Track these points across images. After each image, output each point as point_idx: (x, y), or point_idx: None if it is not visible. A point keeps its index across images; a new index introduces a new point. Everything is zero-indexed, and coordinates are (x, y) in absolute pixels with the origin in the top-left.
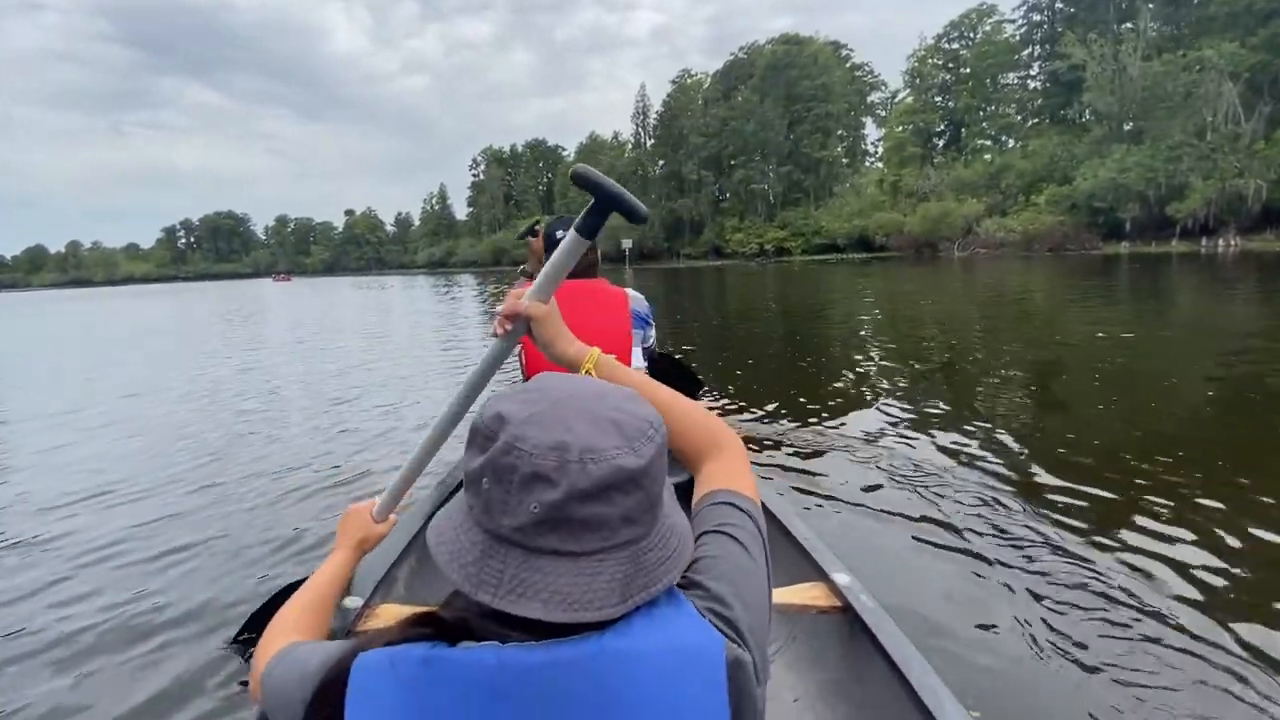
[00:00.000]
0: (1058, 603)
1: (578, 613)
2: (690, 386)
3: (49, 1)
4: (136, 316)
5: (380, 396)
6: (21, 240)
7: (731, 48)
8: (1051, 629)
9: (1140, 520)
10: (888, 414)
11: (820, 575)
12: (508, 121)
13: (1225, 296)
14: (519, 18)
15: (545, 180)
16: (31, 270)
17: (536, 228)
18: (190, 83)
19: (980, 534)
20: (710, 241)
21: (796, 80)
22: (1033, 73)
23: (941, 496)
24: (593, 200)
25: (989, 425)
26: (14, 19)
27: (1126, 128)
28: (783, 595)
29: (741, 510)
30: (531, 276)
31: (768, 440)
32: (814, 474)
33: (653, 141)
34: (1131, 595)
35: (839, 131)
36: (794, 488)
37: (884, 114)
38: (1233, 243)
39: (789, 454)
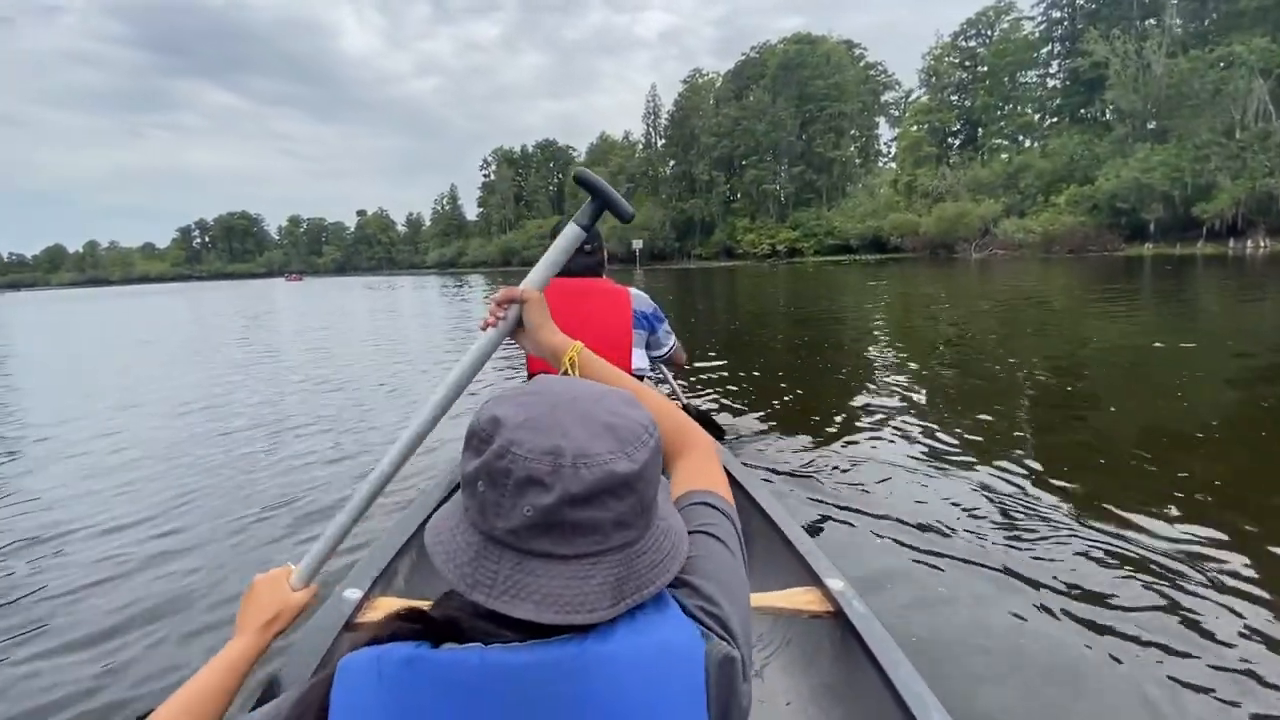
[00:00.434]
0: (1054, 616)
1: (569, 615)
2: (713, 433)
3: (66, 4)
4: (153, 318)
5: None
6: (41, 239)
7: (741, 48)
8: (1048, 643)
9: (1150, 534)
10: (893, 418)
11: (813, 580)
12: (518, 122)
13: (1255, 300)
14: (528, 18)
15: (556, 181)
16: (51, 269)
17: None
18: (206, 85)
19: (981, 544)
20: (721, 242)
21: (809, 80)
22: (1052, 70)
23: (943, 504)
24: (590, 198)
25: (998, 433)
26: (31, 21)
27: (1150, 126)
28: (776, 599)
29: (719, 510)
30: None
31: (768, 442)
32: (813, 477)
33: (664, 142)
34: (1138, 611)
35: (852, 131)
36: (791, 491)
37: (898, 114)
38: (1262, 244)
39: (788, 456)
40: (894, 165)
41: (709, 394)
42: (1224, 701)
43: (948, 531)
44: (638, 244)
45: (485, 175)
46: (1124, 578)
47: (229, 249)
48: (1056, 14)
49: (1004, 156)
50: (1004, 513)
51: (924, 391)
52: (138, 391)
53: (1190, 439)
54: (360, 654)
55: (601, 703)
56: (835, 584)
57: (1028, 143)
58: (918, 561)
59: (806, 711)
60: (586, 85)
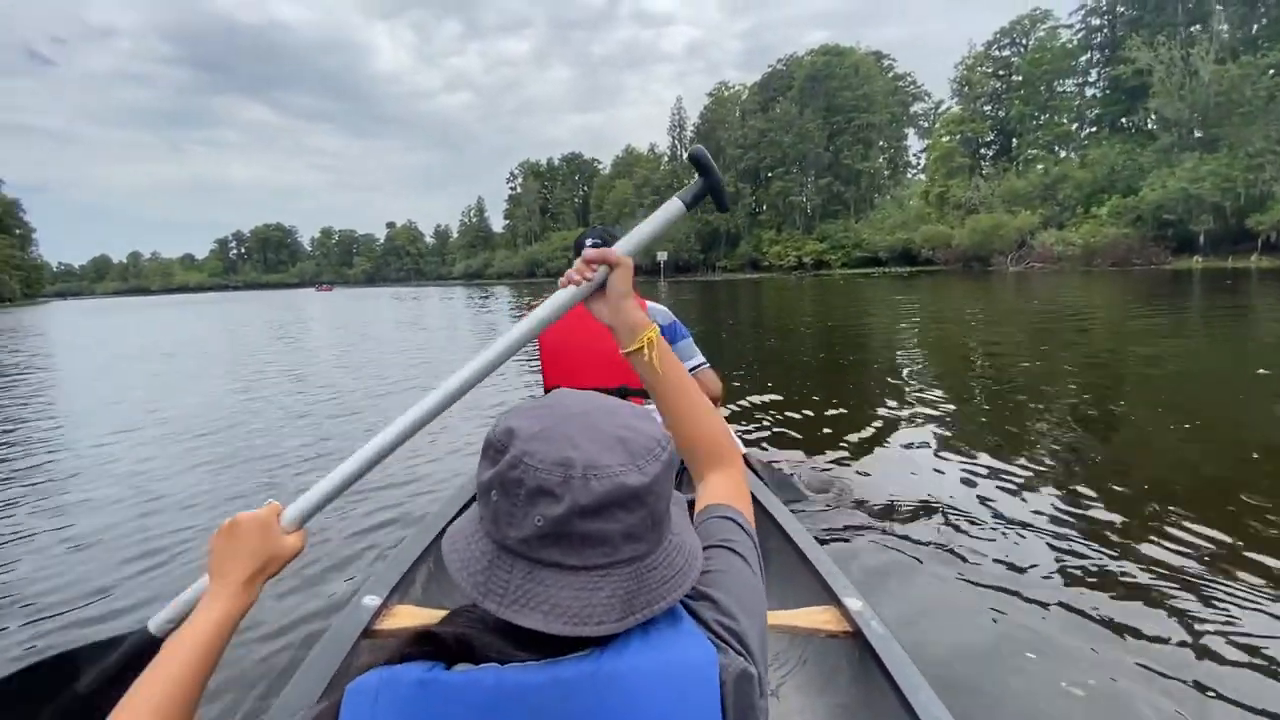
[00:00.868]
0: (1085, 646)
1: (577, 626)
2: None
3: (121, 27)
4: (185, 328)
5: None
6: (88, 250)
7: (766, 61)
8: (1077, 671)
9: (1184, 563)
10: (919, 437)
11: (832, 599)
12: (545, 135)
13: None
14: (557, 34)
15: (581, 193)
16: (97, 279)
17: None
18: (245, 101)
19: (1003, 567)
20: (747, 254)
21: (837, 91)
22: (1091, 79)
23: (966, 525)
24: (699, 179)
25: (1029, 454)
26: (89, 44)
27: (1197, 135)
28: (794, 618)
29: (742, 527)
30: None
31: (788, 457)
32: (832, 494)
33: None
34: (1157, 643)
35: (880, 143)
36: (810, 507)
37: (927, 125)
38: None
39: (808, 472)
40: (923, 177)
41: (729, 406)
42: None
43: (971, 554)
44: (662, 256)
45: (512, 188)
46: (1160, 609)
47: (264, 260)
48: (1096, 21)
49: (1040, 167)
50: (1031, 538)
51: (954, 410)
52: (178, 399)
53: (1254, 470)
54: (369, 676)
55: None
56: (854, 603)
57: (1065, 153)
58: (939, 582)
59: None
60: (612, 99)
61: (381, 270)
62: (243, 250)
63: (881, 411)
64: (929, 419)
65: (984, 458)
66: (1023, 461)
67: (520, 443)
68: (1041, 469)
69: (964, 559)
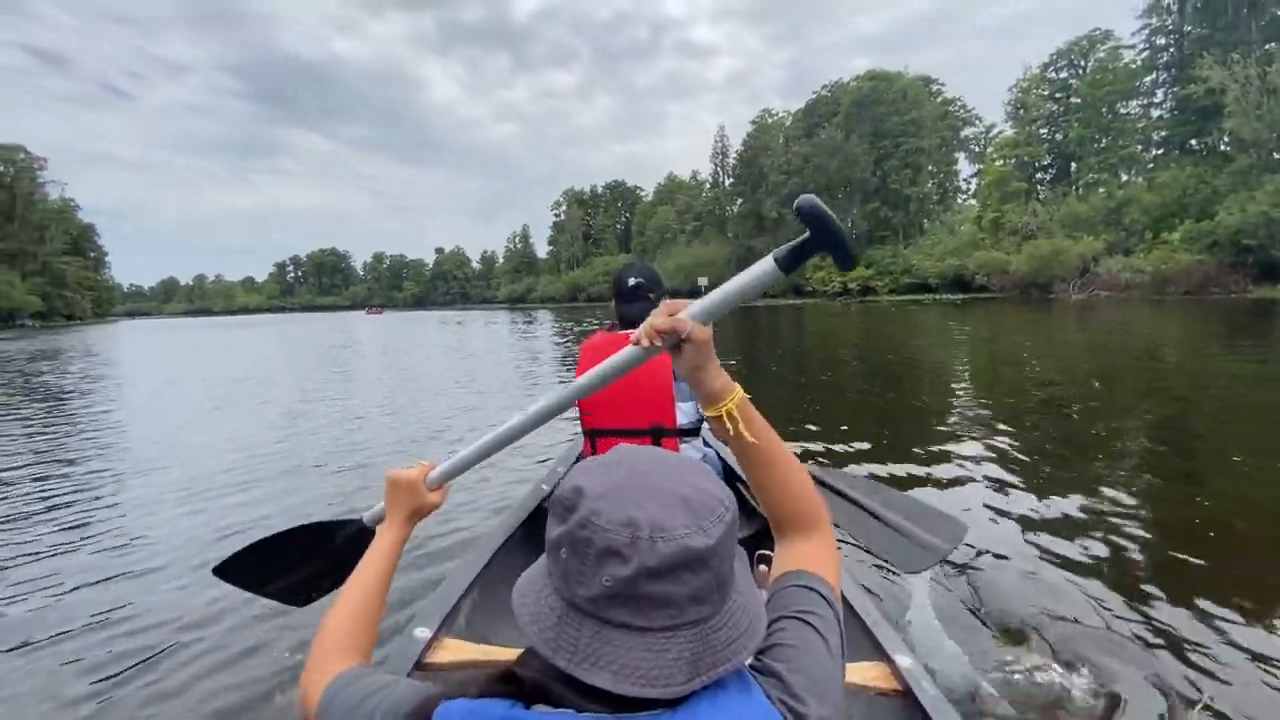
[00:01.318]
0: (1145, 709)
1: (645, 688)
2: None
3: (192, 63)
4: (248, 351)
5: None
6: (157, 272)
7: (808, 88)
8: None
9: (1259, 631)
10: (973, 479)
11: (881, 655)
12: (588, 163)
13: None
14: (603, 66)
15: (623, 219)
16: (165, 300)
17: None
18: (304, 132)
19: (1064, 624)
20: (789, 280)
21: (884, 116)
22: (1157, 99)
23: (1027, 579)
24: (808, 234)
25: (1095, 501)
26: (161, 78)
27: (1277, 156)
28: None
29: (825, 599)
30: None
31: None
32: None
33: (731, 180)
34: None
35: (929, 167)
36: (857, 559)
37: (978, 149)
38: None
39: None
40: (974, 202)
41: None
42: None
43: (1029, 609)
44: (703, 281)
45: (556, 214)
46: (1248, 686)
47: (319, 283)
48: (1161, 41)
49: (1102, 191)
50: (1096, 594)
51: (1012, 449)
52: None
53: None
54: (456, 704)
55: None
56: (904, 660)
57: (1131, 176)
58: (994, 639)
59: None
60: (654, 127)
61: (429, 294)
62: (299, 274)
63: (933, 449)
64: (984, 458)
65: (1045, 503)
66: (1087, 509)
67: (588, 502)
68: (1109, 519)
69: (1021, 615)
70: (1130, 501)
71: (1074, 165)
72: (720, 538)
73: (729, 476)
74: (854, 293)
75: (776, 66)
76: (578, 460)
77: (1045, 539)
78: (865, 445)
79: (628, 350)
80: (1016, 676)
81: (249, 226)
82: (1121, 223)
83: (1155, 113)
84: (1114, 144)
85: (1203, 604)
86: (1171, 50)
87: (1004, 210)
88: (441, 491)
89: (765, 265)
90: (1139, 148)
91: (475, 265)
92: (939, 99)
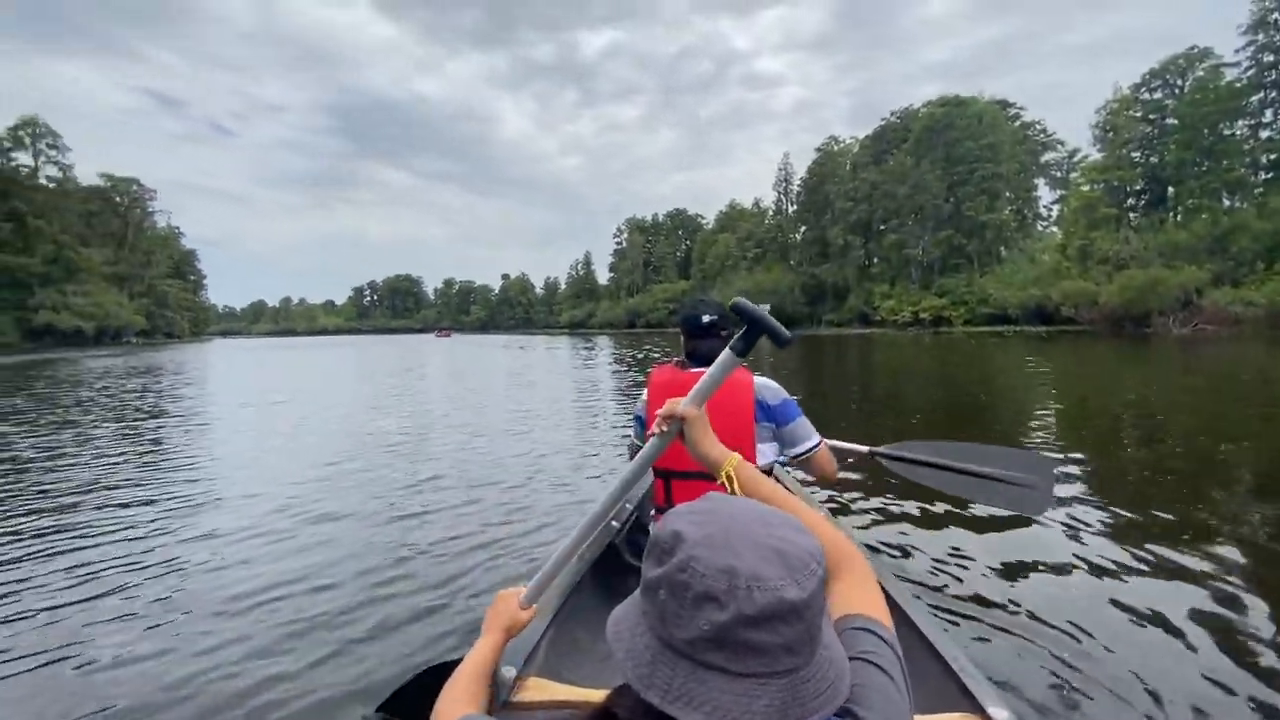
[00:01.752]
0: None
1: None
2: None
3: (289, 104)
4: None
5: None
6: (249, 295)
7: (874, 116)
8: None
9: None
10: (1064, 523)
11: (972, 706)
12: (650, 193)
13: None
14: (667, 99)
15: (684, 247)
16: (253, 320)
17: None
18: (384, 165)
19: (1171, 682)
20: (856, 308)
21: (958, 141)
22: (1266, 119)
23: (1126, 627)
24: (746, 327)
25: (1204, 551)
26: (261, 117)
27: None
28: None
29: (881, 639)
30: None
31: (909, 542)
32: (964, 585)
33: (795, 208)
34: None
35: (1006, 193)
36: (938, 605)
37: (1060, 174)
38: None
39: (935, 559)
40: (1056, 229)
41: (838, 484)
42: None
43: (1131, 660)
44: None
45: (618, 242)
46: None
47: (393, 306)
48: (1269, 58)
49: (1205, 217)
50: (1204, 654)
51: (1107, 495)
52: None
53: None
54: None
55: None
56: (1000, 713)
57: (1237, 202)
58: (1097, 691)
59: None
60: (716, 157)
61: (495, 318)
62: (375, 297)
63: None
64: (1073, 501)
65: (1146, 551)
66: (1198, 563)
67: (687, 547)
68: (1224, 575)
69: (1123, 662)
70: (1245, 555)
71: (1171, 190)
72: (813, 591)
73: None
74: (925, 323)
75: (842, 95)
76: (646, 499)
77: (1142, 585)
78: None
79: (648, 445)
80: None
81: (331, 253)
82: (1228, 251)
83: (1264, 134)
84: (1217, 167)
85: None
86: None
87: (1092, 238)
88: (531, 610)
89: (727, 357)
90: (1246, 171)
91: (539, 291)
92: (1017, 123)
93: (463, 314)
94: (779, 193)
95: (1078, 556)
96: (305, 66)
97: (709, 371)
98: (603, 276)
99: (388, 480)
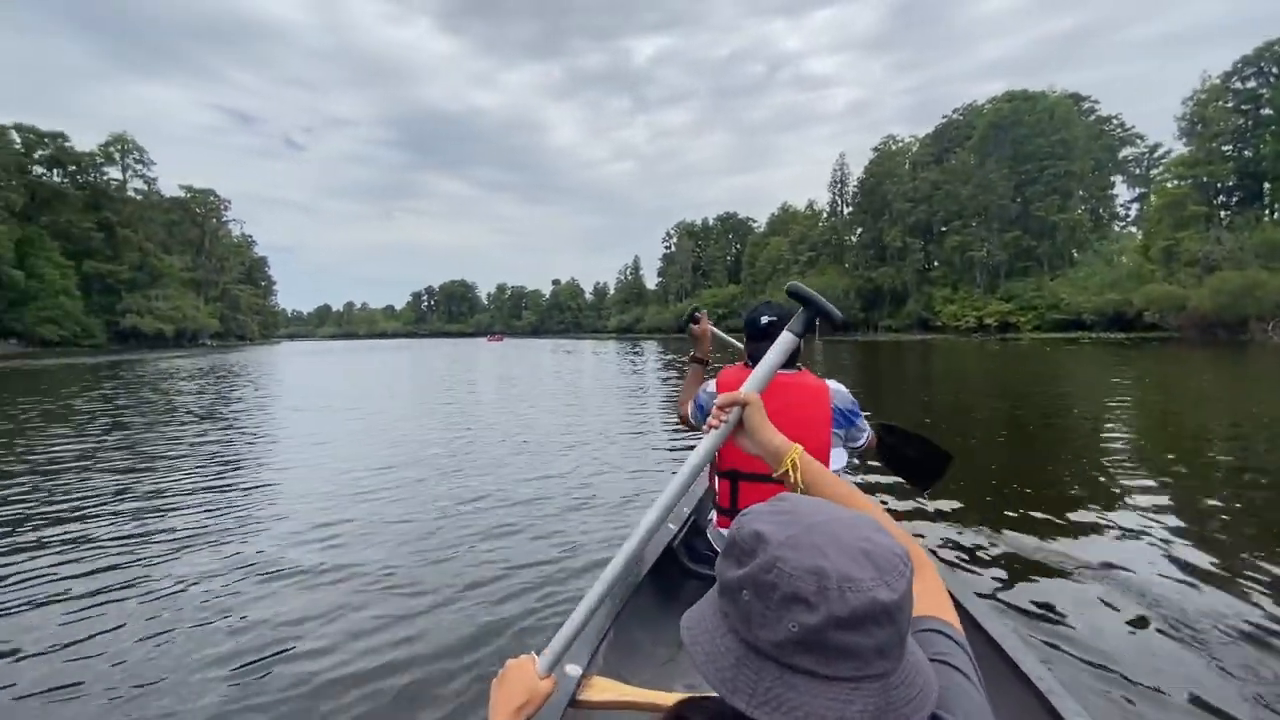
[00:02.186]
0: None
1: None
2: (936, 462)
3: (354, 118)
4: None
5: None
6: (315, 300)
7: (933, 115)
8: None
9: None
10: (1154, 540)
11: None
12: (700, 197)
13: None
14: (717, 103)
15: (734, 251)
16: (318, 324)
17: (697, 314)
18: (442, 176)
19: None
20: (915, 313)
21: (1027, 138)
22: None
23: (1229, 650)
24: (802, 309)
25: None
26: (328, 131)
27: None
28: None
29: (954, 641)
30: (700, 361)
31: (986, 553)
32: (1045, 598)
33: (851, 209)
34: None
35: (1080, 192)
36: (1017, 615)
37: (1139, 171)
38: None
39: (1014, 572)
40: (1134, 229)
41: (904, 495)
42: None
43: (1230, 689)
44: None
45: (667, 247)
46: None
47: (448, 311)
48: None
49: None
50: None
51: (1195, 511)
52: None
53: None
54: None
55: None
56: None
57: None
58: (1187, 712)
59: None
60: (767, 160)
61: (545, 322)
62: (431, 302)
63: (1098, 501)
64: (1163, 518)
65: (1242, 572)
66: None
67: (771, 548)
68: None
69: (1215, 686)
70: None
71: (1266, 185)
72: (904, 593)
73: None
74: (991, 329)
75: (898, 94)
76: (703, 503)
77: (1229, 610)
78: (1008, 490)
79: (707, 438)
80: None
81: (391, 260)
82: None
83: None
84: None
85: None
86: None
87: (1179, 238)
88: (551, 680)
89: (787, 338)
90: None
91: (588, 296)
92: (1091, 117)
93: (514, 318)
94: (834, 194)
95: (1173, 588)
96: (369, 82)
97: (767, 355)
98: (651, 281)
99: (430, 496)
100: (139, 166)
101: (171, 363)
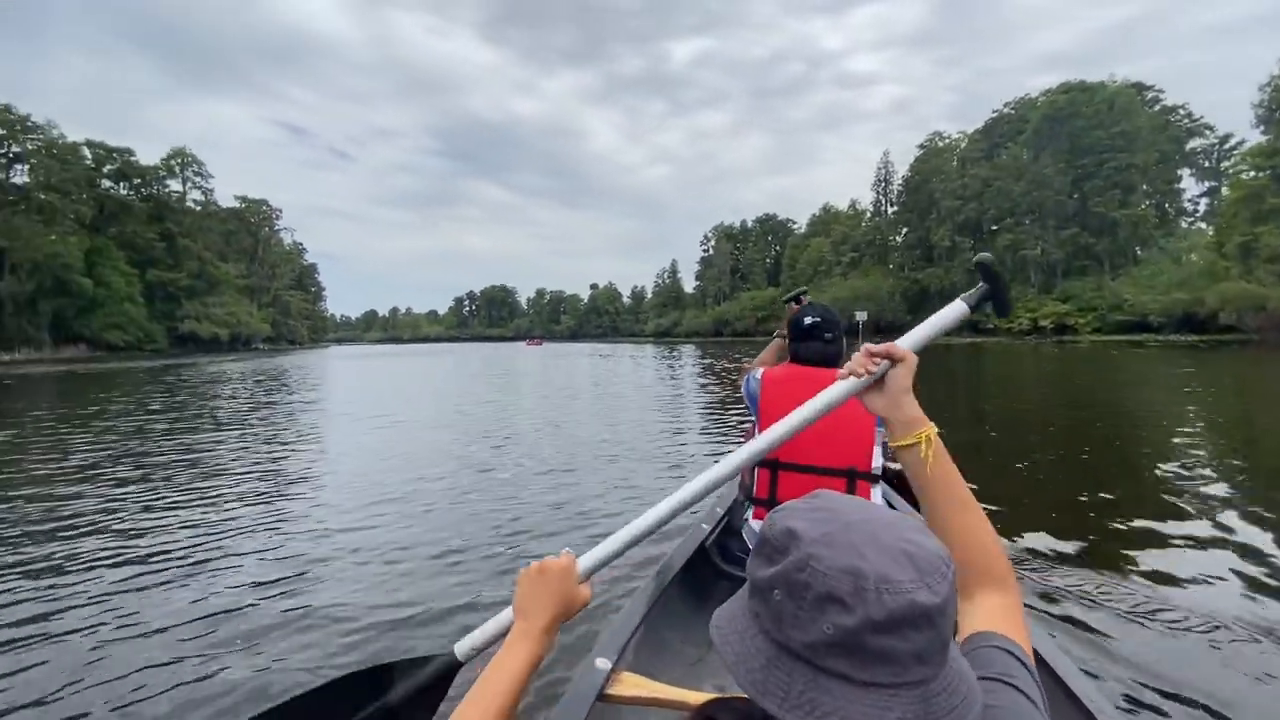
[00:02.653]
0: None
1: None
2: None
3: (400, 129)
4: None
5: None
6: (361, 305)
7: (981, 111)
8: None
9: None
10: (1217, 561)
11: None
12: (738, 199)
13: None
14: (755, 104)
15: (773, 253)
16: (365, 329)
17: (802, 296)
18: (484, 183)
19: None
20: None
21: (1085, 131)
22: None
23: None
24: (983, 285)
25: None
26: (376, 142)
27: None
28: None
29: (1022, 664)
30: (784, 337)
31: (1035, 571)
32: (1098, 618)
33: (895, 209)
34: None
35: (1144, 186)
36: (1070, 639)
37: (1207, 163)
38: None
39: (1064, 590)
40: (1204, 224)
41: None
42: None
43: None
44: (861, 316)
45: (705, 250)
46: None
47: (489, 315)
48: None
49: None
50: None
51: (1263, 530)
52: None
53: None
54: None
55: None
56: None
57: None
58: None
59: None
60: (808, 160)
61: (583, 326)
62: (473, 307)
63: (1159, 517)
64: (1232, 539)
65: None
66: None
67: (805, 545)
68: None
69: None
70: None
71: None
72: (946, 597)
73: None
74: (1046, 331)
75: (944, 90)
76: (742, 496)
77: None
78: (1058, 505)
79: (842, 384)
80: None
81: (434, 266)
82: None
83: None
84: None
85: None
86: None
87: (1258, 233)
88: (588, 585)
89: (957, 306)
90: None
91: (626, 300)
92: (1156, 108)
93: (553, 323)
94: (878, 193)
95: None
96: (414, 93)
97: (934, 318)
98: (689, 284)
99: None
100: (197, 179)
101: (220, 366)
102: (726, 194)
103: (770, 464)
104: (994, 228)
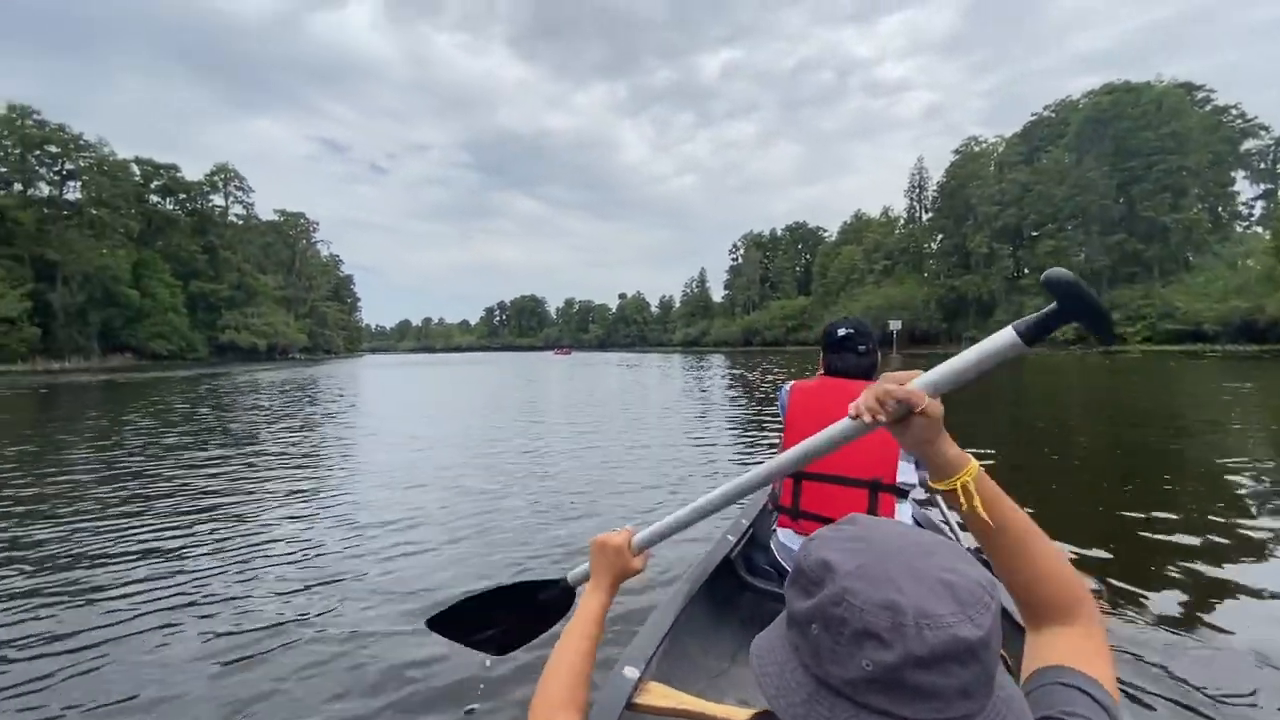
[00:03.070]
0: None
1: None
2: None
3: (433, 143)
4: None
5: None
6: (395, 316)
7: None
8: None
9: None
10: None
11: None
12: (768, 208)
13: None
14: (785, 114)
15: (803, 261)
16: (399, 338)
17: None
18: (517, 195)
19: None
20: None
21: (1131, 132)
22: None
23: None
24: (1056, 305)
25: None
26: (409, 156)
27: None
28: None
29: (1100, 704)
30: None
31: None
32: (1147, 651)
33: (930, 215)
34: None
35: (1195, 189)
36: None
37: (1264, 165)
38: None
39: (1114, 622)
40: (1260, 229)
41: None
42: None
43: None
44: (895, 325)
45: (734, 259)
46: None
47: (519, 325)
48: None
49: None
50: None
51: None
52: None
53: None
54: None
55: None
56: None
57: None
58: None
59: None
60: (838, 168)
61: (612, 335)
62: (504, 317)
63: (1211, 547)
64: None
65: None
66: None
67: (840, 579)
68: None
69: None
70: None
71: None
72: (990, 629)
73: None
74: (1091, 340)
75: (978, 95)
76: (766, 509)
77: None
78: (1105, 533)
79: (843, 424)
80: None
81: (467, 277)
82: None
83: None
84: None
85: None
86: None
87: None
88: (643, 558)
89: (1005, 336)
90: None
91: (654, 309)
92: (1207, 108)
93: (582, 332)
94: (912, 199)
95: None
96: (449, 109)
97: (973, 351)
98: (718, 294)
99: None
100: (239, 193)
101: (253, 375)
102: (755, 204)
103: (793, 473)
104: (1034, 234)
